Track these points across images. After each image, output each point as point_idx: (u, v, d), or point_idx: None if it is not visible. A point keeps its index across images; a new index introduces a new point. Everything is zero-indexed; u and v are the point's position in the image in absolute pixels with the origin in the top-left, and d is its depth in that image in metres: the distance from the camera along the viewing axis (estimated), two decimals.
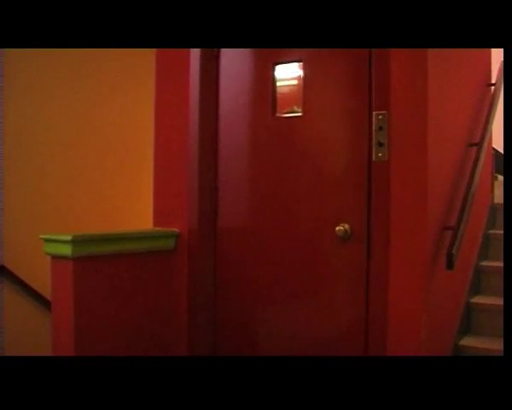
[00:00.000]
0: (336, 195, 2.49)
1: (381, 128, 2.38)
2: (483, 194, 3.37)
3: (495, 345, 2.63)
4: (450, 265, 2.44)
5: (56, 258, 2.44)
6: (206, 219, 2.71)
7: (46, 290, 2.94)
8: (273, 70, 2.66)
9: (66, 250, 2.34)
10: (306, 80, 2.58)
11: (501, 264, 2.68)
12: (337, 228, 2.43)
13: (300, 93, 2.59)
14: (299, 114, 2.60)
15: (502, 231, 2.84)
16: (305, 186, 2.57)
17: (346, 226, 2.42)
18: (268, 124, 2.67)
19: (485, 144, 3.07)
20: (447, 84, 2.62)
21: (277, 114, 2.66)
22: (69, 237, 2.33)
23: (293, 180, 2.59)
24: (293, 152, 2.60)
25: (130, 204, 4.23)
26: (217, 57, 2.73)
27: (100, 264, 2.46)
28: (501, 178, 3.87)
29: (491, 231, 3.45)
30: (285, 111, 2.67)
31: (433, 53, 2.33)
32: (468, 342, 2.82)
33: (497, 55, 3.44)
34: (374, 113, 2.40)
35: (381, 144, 2.38)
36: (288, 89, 2.87)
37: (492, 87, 3.50)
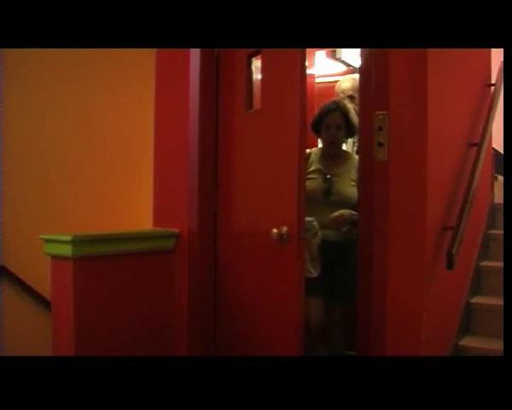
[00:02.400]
0: (278, 195, 2.36)
1: (380, 128, 2.38)
2: (483, 194, 3.38)
3: (495, 345, 2.63)
4: (450, 265, 2.44)
5: (56, 258, 2.44)
6: (206, 219, 2.70)
7: (46, 290, 2.94)
8: (248, 63, 2.58)
9: (67, 250, 2.34)
10: (264, 74, 2.48)
11: (501, 264, 2.68)
12: (273, 230, 2.26)
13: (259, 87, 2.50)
14: (258, 109, 2.50)
15: (502, 231, 2.84)
16: (256, 185, 2.51)
17: (284, 229, 2.23)
18: (241, 120, 2.61)
19: (485, 144, 3.07)
20: (447, 84, 2.62)
21: (251, 110, 2.55)
22: (69, 238, 2.33)
23: (251, 178, 2.55)
24: (254, 148, 2.54)
25: (130, 204, 4.23)
26: (217, 57, 2.73)
27: (100, 264, 2.46)
28: (501, 178, 3.86)
29: (491, 231, 3.45)
30: None
31: (433, 53, 2.33)
32: (468, 342, 2.82)
33: (497, 55, 3.44)
34: (374, 113, 2.40)
35: (381, 144, 2.38)
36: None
37: (492, 87, 3.50)
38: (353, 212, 2.68)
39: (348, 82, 3.40)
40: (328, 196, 2.79)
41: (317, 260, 2.74)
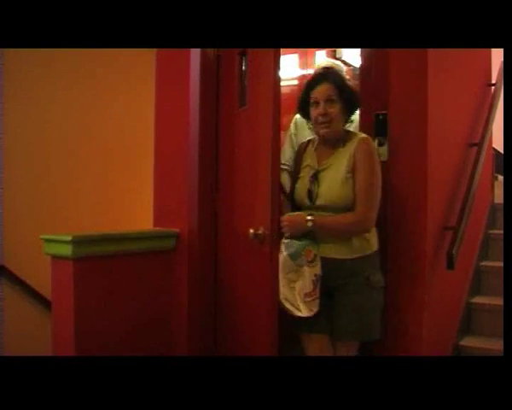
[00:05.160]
0: (257, 195, 2.33)
1: (381, 128, 2.38)
2: (483, 194, 3.38)
3: (495, 345, 2.64)
4: (450, 265, 2.44)
5: (56, 258, 2.44)
6: (206, 219, 2.70)
7: (46, 290, 2.94)
8: (240, 60, 2.56)
9: (67, 250, 2.34)
10: (249, 72, 2.49)
11: (501, 264, 2.69)
12: (250, 231, 2.15)
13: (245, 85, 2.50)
14: (246, 108, 2.47)
15: (502, 231, 2.84)
16: (246, 185, 2.49)
17: (261, 230, 2.14)
18: (236, 118, 2.59)
19: (485, 144, 3.07)
20: (447, 84, 2.62)
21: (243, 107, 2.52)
22: (69, 238, 2.33)
23: (243, 177, 2.52)
24: (244, 147, 2.52)
25: (130, 204, 4.23)
26: (217, 57, 2.73)
27: (100, 264, 2.46)
28: (501, 178, 3.87)
29: (491, 231, 3.45)
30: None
31: (433, 53, 2.33)
32: (468, 342, 2.82)
33: (497, 55, 3.44)
34: (374, 113, 2.40)
35: (381, 144, 2.38)
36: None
37: (492, 87, 3.50)
38: (309, 217, 2.11)
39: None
40: (313, 200, 2.19)
41: (315, 296, 2.10)
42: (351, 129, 2.31)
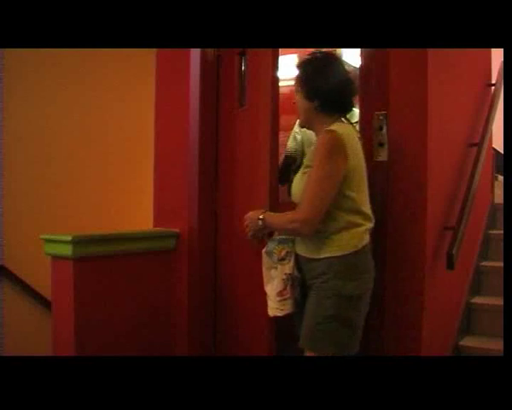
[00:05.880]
0: (258, 195, 2.37)
1: (381, 128, 2.38)
2: (483, 194, 3.38)
3: (495, 345, 2.64)
4: (450, 265, 2.44)
5: (56, 258, 2.44)
6: (206, 219, 2.70)
7: (46, 290, 2.94)
8: (239, 61, 2.58)
9: (67, 250, 2.34)
10: (248, 72, 2.50)
11: (501, 264, 2.69)
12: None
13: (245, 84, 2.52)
14: (245, 107, 2.48)
15: (502, 231, 2.84)
16: (247, 185, 2.51)
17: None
18: (236, 118, 2.59)
19: (485, 144, 3.07)
20: (447, 84, 2.62)
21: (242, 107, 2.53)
22: (69, 238, 2.33)
23: (244, 178, 2.54)
24: (245, 147, 2.53)
25: (130, 204, 4.23)
26: (217, 57, 2.73)
27: (100, 264, 2.46)
28: (501, 178, 3.87)
29: (491, 231, 3.45)
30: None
31: (433, 53, 2.34)
32: (468, 342, 2.82)
33: (497, 55, 3.44)
34: (374, 113, 2.40)
35: (381, 144, 2.38)
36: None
37: (492, 87, 3.50)
38: (261, 216, 2.03)
39: None
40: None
41: (286, 295, 2.00)
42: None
